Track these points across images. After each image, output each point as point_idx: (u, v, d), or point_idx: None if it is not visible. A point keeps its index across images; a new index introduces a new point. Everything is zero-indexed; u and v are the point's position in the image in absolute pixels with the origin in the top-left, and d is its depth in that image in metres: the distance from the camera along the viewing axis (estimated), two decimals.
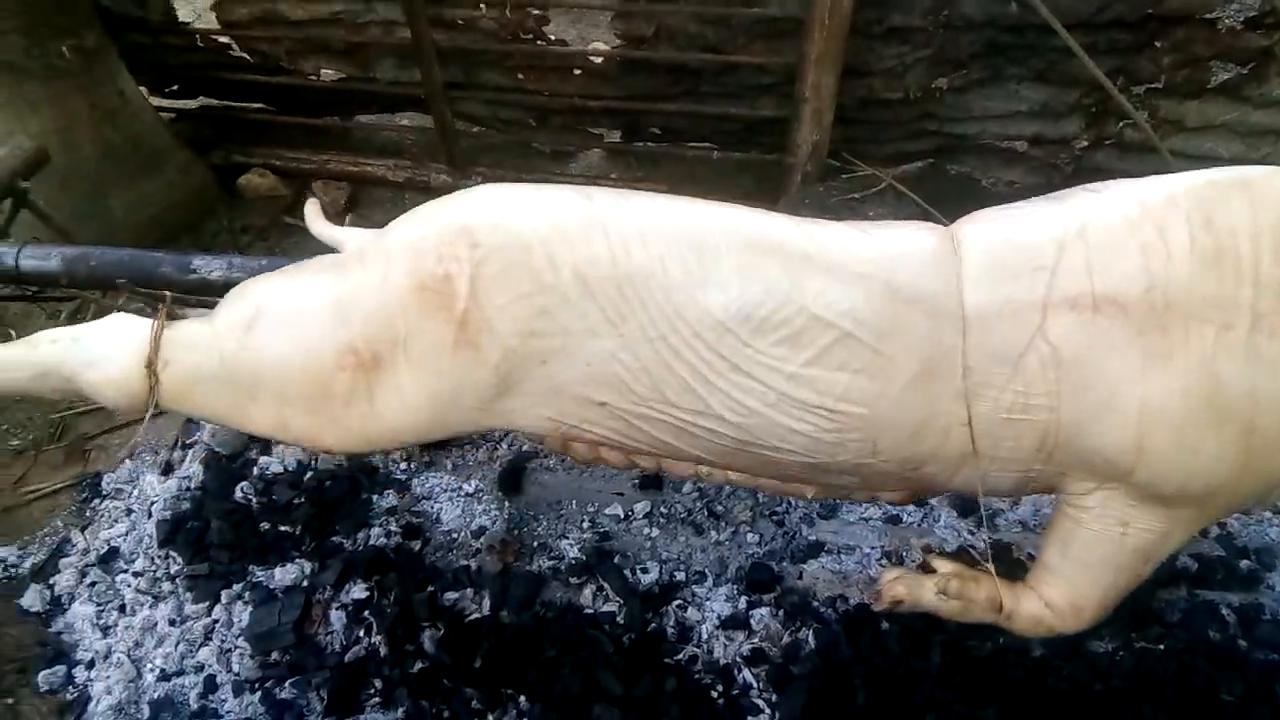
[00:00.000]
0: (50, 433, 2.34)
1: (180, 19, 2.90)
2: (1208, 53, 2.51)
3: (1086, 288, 1.11)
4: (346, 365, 1.21)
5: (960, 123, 2.92)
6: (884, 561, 2.04)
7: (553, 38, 2.69)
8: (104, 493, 2.17)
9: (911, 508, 2.14)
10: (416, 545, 2.06)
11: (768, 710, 1.78)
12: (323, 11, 2.76)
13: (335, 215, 3.14)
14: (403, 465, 2.24)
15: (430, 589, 1.96)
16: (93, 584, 2.00)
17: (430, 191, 3.16)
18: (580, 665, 1.83)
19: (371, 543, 2.05)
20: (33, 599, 1.99)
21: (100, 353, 1.27)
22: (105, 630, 1.94)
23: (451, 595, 1.94)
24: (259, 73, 2.96)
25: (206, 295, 1.66)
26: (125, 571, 2.02)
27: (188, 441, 2.27)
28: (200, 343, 1.27)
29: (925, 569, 1.54)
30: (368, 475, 2.21)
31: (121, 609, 1.97)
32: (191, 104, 3.11)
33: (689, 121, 2.95)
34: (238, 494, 2.13)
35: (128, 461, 2.22)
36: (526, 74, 2.84)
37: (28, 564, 2.07)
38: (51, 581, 2.02)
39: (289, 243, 3.04)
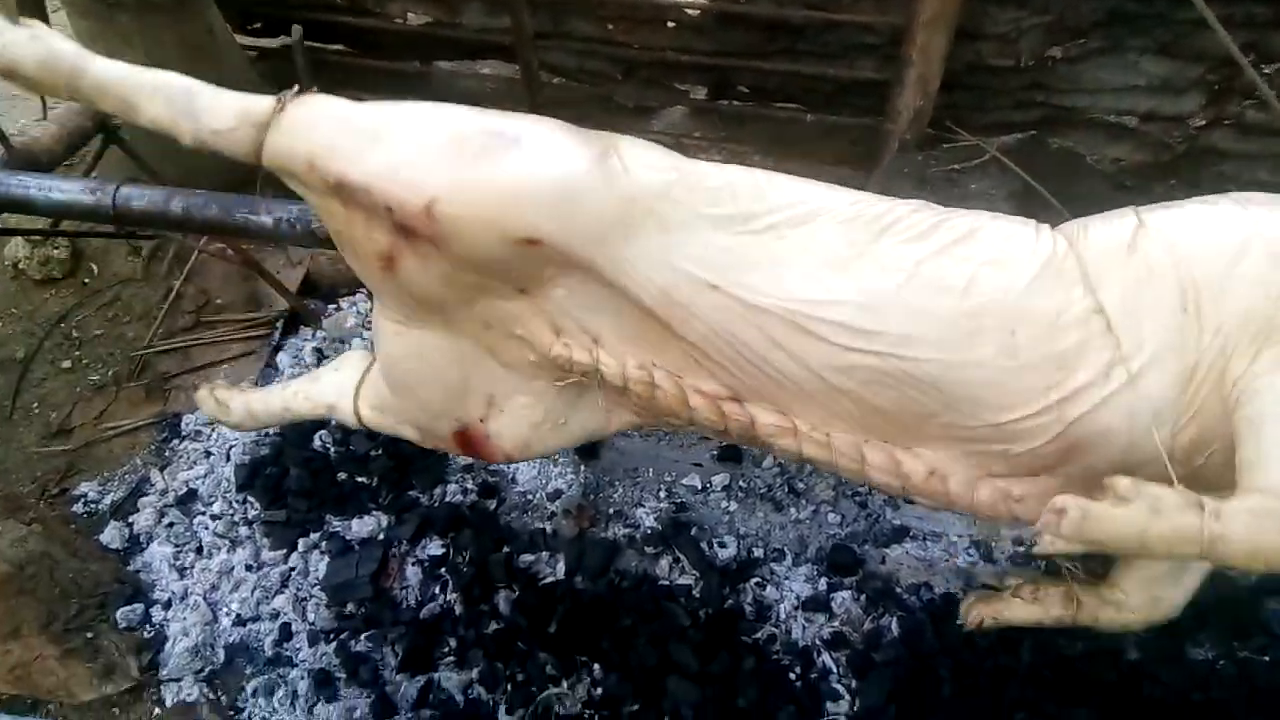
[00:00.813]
0: (130, 369, 2.35)
1: None
2: None
3: None
4: None
5: (1070, 95, 2.74)
6: (971, 550, 1.96)
7: None
8: (184, 434, 2.18)
9: None
10: (491, 505, 2.03)
11: (848, 696, 1.74)
12: None
13: None
14: None
15: (506, 550, 1.93)
16: (170, 525, 2.01)
17: None
18: (655, 637, 1.80)
19: (448, 499, 2.02)
20: (112, 536, 2.01)
21: None
22: (182, 572, 1.96)
23: (527, 558, 1.91)
24: (345, 14, 2.90)
25: (289, 241, 1.62)
26: (203, 514, 2.03)
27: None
28: None
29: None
30: None
31: (198, 551, 1.98)
32: (273, 43, 3.05)
33: (781, 81, 2.82)
34: (316, 442, 2.12)
35: None
36: (617, 24, 2.74)
37: (108, 500, 2.09)
38: (131, 520, 2.03)
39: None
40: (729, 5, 2.58)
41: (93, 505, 2.08)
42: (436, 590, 1.87)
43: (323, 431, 2.13)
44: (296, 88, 1.16)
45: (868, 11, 2.52)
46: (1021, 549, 1.95)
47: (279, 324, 2.39)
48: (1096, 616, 1.29)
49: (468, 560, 1.91)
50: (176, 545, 1.98)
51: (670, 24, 2.72)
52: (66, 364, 2.41)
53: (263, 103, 1.12)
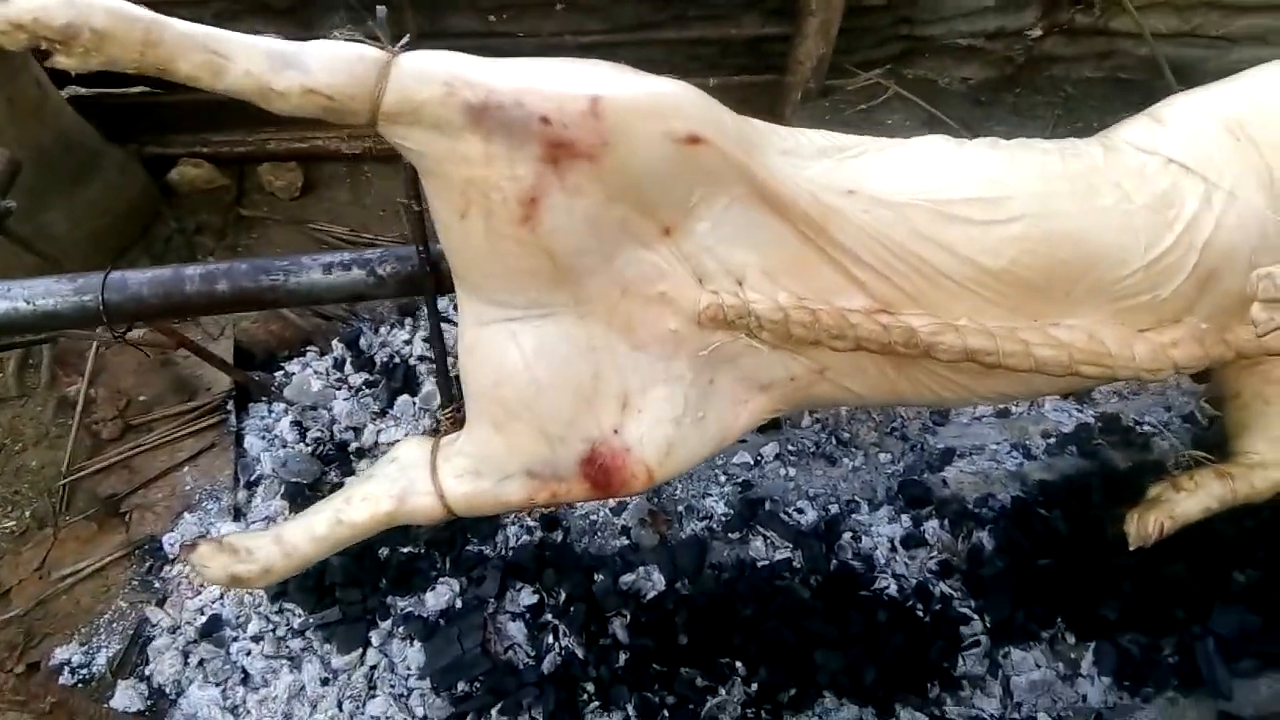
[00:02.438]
0: (55, 503, 1.93)
1: None
2: None
3: None
4: None
5: (929, 25, 2.96)
6: (1014, 453, 2.09)
7: None
8: (171, 557, 1.83)
9: (1022, 404, 2.20)
10: (558, 536, 1.89)
11: (977, 616, 1.81)
12: None
13: (291, 202, 2.75)
14: None
15: (598, 576, 1.81)
16: (202, 662, 1.70)
17: (395, 161, 2.82)
18: (783, 617, 1.77)
19: (513, 544, 1.86)
20: (128, 698, 1.66)
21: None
22: (236, 712, 1.66)
23: (627, 578, 1.81)
24: None
25: (339, 296, 1.40)
26: (239, 639, 1.72)
27: (249, 480, 1.94)
28: None
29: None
30: None
31: (246, 682, 1.69)
32: (83, 90, 2.58)
33: (667, 50, 2.80)
34: None
35: (186, 515, 1.87)
36: (498, 15, 2.58)
37: (100, 660, 1.72)
38: (146, 672, 1.69)
39: (250, 238, 2.64)
40: None
41: (82, 671, 1.70)
42: (549, 639, 1.72)
43: None
44: (407, 37, 1.03)
45: None
46: (1053, 440, 2.11)
47: (229, 405, 2.06)
48: (1252, 484, 1.42)
49: (565, 599, 1.77)
50: (219, 684, 1.67)
51: (559, 7, 2.61)
52: None
53: (372, 49, 0.99)
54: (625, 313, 1.16)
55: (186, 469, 1.96)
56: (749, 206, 1.11)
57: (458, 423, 1.36)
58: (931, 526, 1.93)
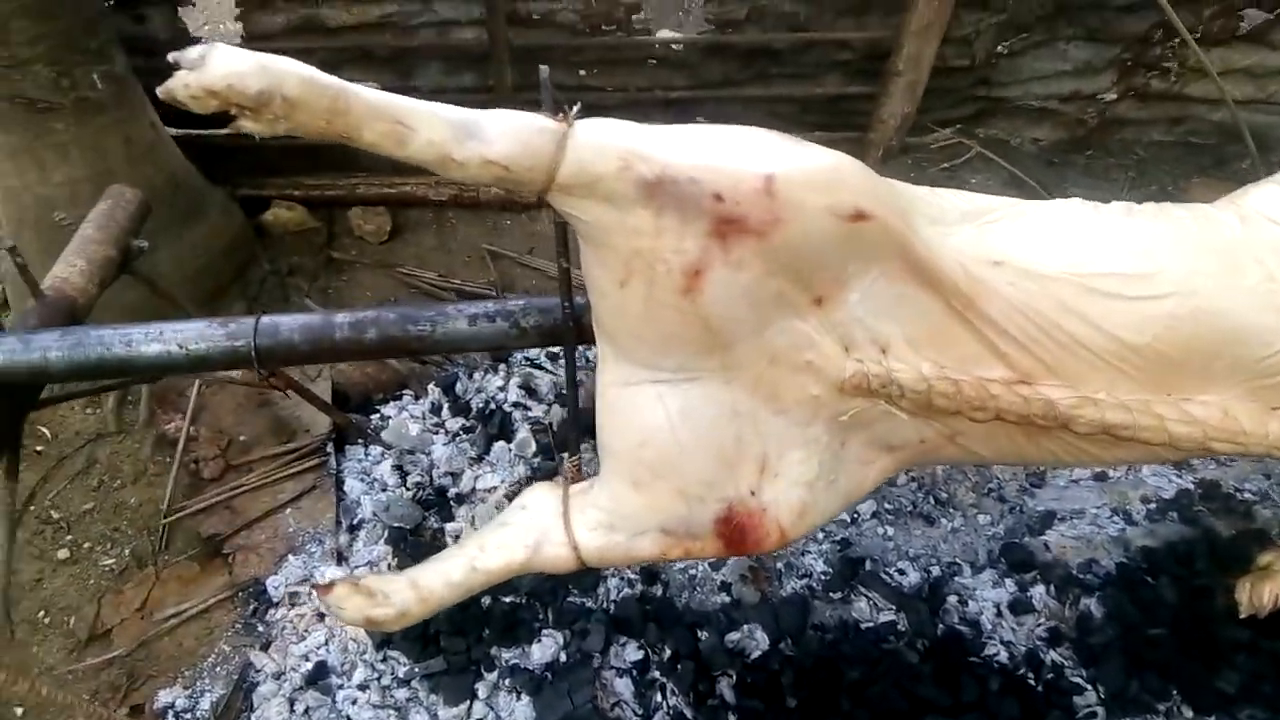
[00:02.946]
0: (155, 542, 1.94)
1: (191, 33, 2.43)
2: (1244, 2, 2.71)
3: None
4: None
5: (1008, 86, 3.00)
6: (1115, 518, 2.07)
7: (636, 27, 2.50)
8: (275, 600, 1.82)
9: (1120, 469, 2.17)
10: (658, 590, 1.88)
11: (1089, 686, 1.77)
12: (372, 14, 2.41)
13: (379, 246, 2.80)
14: None
15: (702, 634, 1.79)
16: (308, 710, 1.68)
17: (479, 208, 2.88)
18: (892, 681, 1.74)
19: (614, 597, 1.84)
20: None
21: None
22: None
23: (733, 636, 1.78)
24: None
25: (485, 345, 1.41)
26: (344, 687, 1.71)
27: (351, 523, 1.95)
28: None
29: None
30: None
31: None
32: (175, 131, 2.65)
33: (743, 107, 2.85)
34: None
35: (290, 558, 1.88)
36: (590, 69, 2.64)
37: (204, 704, 1.71)
38: (252, 719, 1.67)
39: (341, 280, 2.67)
40: (717, 36, 2.57)
41: (187, 715, 1.69)
42: (657, 697, 1.70)
43: None
44: (578, 105, 1.04)
45: (846, 29, 2.61)
46: (1153, 505, 2.09)
47: (329, 447, 2.07)
48: None
49: (671, 656, 1.75)
50: None
51: (651, 61, 2.66)
52: (62, 554, 1.95)
53: (548, 120, 1.00)
54: (771, 379, 1.16)
55: (288, 510, 1.96)
56: (900, 278, 1.12)
57: (579, 470, 1.37)
58: (1038, 592, 1.90)
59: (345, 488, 2.01)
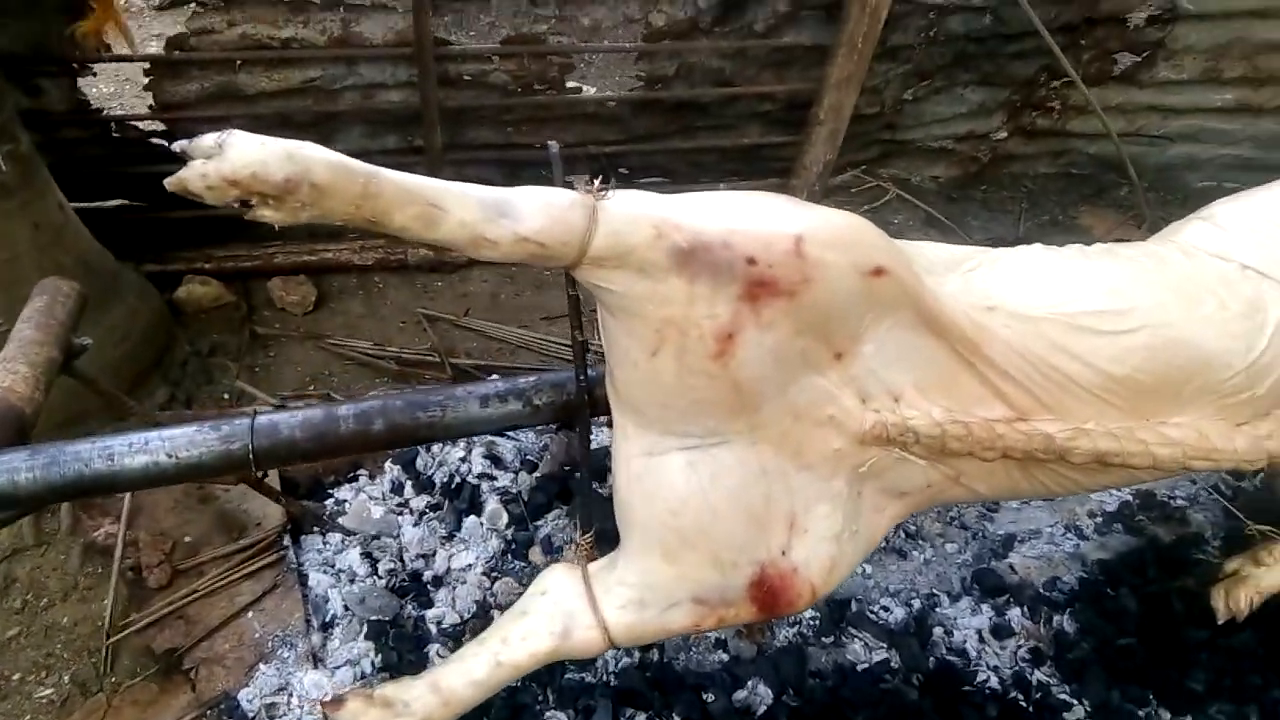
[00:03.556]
0: (100, 665, 1.75)
1: (93, 104, 2.23)
2: (1117, 46, 2.98)
3: None
4: None
5: (910, 130, 3.17)
6: (1068, 534, 2.18)
7: (569, 85, 2.50)
8: (249, 715, 1.67)
9: None
10: (655, 655, 1.84)
11: (1076, 701, 1.84)
12: (294, 79, 2.29)
13: (305, 316, 2.65)
14: None
15: (707, 696, 1.76)
16: None
17: (407, 271, 2.80)
18: (894, 718, 1.76)
19: (613, 669, 1.79)
20: None
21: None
22: None
23: (739, 695, 1.76)
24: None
25: (496, 425, 1.36)
26: None
27: (323, 621, 1.82)
28: None
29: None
30: None
31: None
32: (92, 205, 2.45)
33: (665, 158, 2.90)
34: (434, 660, 1.75)
35: (261, 666, 1.73)
36: (519, 127, 2.61)
37: None
38: None
39: (268, 357, 2.51)
40: (647, 93, 2.60)
41: None
42: None
43: (433, 646, 1.77)
44: (601, 178, 1.05)
45: (769, 82, 2.69)
46: (1100, 519, 2.22)
47: (285, 540, 1.93)
48: None
49: None
50: None
51: (578, 120, 2.66)
52: None
53: (573, 193, 1.01)
54: (796, 437, 1.19)
55: (251, 614, 1.81)
56: (910, 328, 1.18)
57: (593, 548, 1.34)
58: (1014, 614, 1.97)
59: (310, 582, 1.88)
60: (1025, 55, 2.91)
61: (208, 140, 0.92)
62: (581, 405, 1.34)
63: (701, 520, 1.18)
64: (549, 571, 1.31)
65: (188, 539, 1.93)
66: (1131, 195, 3.19)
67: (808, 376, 1.14)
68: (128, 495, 1.94)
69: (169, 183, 0.92)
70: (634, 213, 1.01)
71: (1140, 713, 1.84)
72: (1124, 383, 1.25)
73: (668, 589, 1.22)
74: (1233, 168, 3.45)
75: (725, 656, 1.86)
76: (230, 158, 0.90)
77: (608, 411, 1.26)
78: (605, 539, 1.31)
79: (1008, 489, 1.35)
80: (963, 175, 3.44)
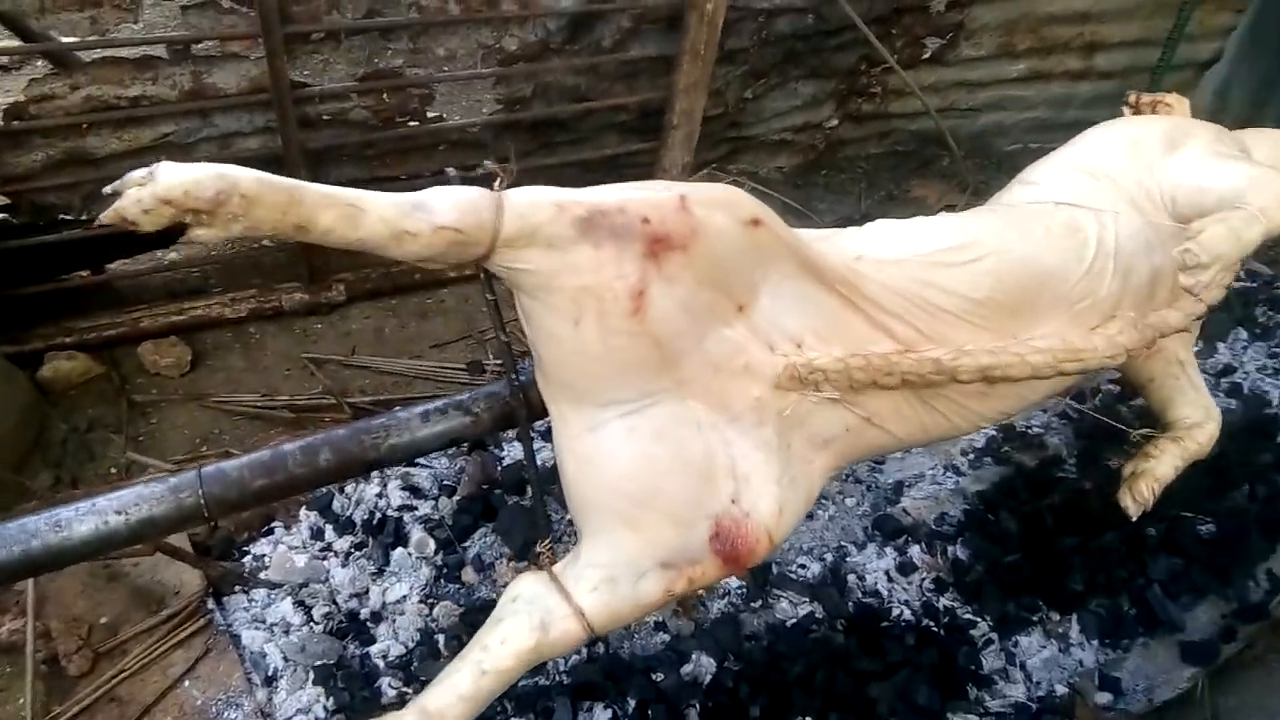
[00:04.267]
0: None
1: None
2: (924, 32, 3.28)
3: None
4: None
5: (752, 126, 3.38)
6: (947, 473, 2.41)
7: (430, 115, 2.52)
8: None
9: None
10: (601, 649, 1.92)
11: (980, 618, 2.05)
12: (146, 138, 2.20)
13: (182, 379, 2.56)
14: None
15: (656, 675, 1.86)
16: None
17: (283, 317, 2.75)
18: (830, 665, 1.91)
19: (564, 668, 1.86)
20: None
21: None
22: None
23: (686, 669, 1.87)
24: (32, 232, 2.29)
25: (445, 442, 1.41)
26: None
27: (265, 676, 1.79)
28: None
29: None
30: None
31: None
32: None
33: (533, 175, 2.97)
34: (387, 692, 1.77)
35: None
36: (383, 160, 2.62)
37: None
38: None
39: (150, 425, 2.40)
40: (507, 115, 2.67)
41: None
42: None
43: (386, 680, 1.79)
44: (505, 179, 1.17)
45: (621, 94, 2.82)
46: (971, 455, 2.46)
47: (209, 603, 1.89)
48: (1197, 440, 1.79)
49: (637, 706, 1.80)
50: None
51: (441, 147, 2.71)
52: None
53: (477, 188, 1.13)
54: (719, 389, 1.30)
55: (188, 683, 1.76)
56: (795, 278, 1.32)
57: (553, 553, 1.40)
58: (914, 551, 2.17)
59: (244, 641, 1.85)
60: (846, 47, 3.17)
61: (137, 174, 0.98)
62: (519, 405, 1.39)
63: (653, 479, 1.25)
64: (517, 581, 1.35)
65: (104, 620, 1.86)
66: (953, 164, 3.52)
67: (718, 330, 1.26)
68: (30, 585, 1.84)
69: (105, 216, 0.99)
70: (535, 197, 1.13)
71: (1034, 618, 2.07)
72: (986, 305, 1.43)
73: (634, 559, 1.27)
74: (1034, 129, 3.86)
75: (666, 637, 1.96)
76: (163, 180, 0.97)
77: (544, 413, 1.33)
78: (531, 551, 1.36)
79: (917, 428, 1.49)
80: (804, 163, 3.69)
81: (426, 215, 1.08)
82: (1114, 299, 1.55)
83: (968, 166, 3.44)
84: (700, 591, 2.05)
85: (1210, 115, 4.73)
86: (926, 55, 3.39)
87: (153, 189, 0.95)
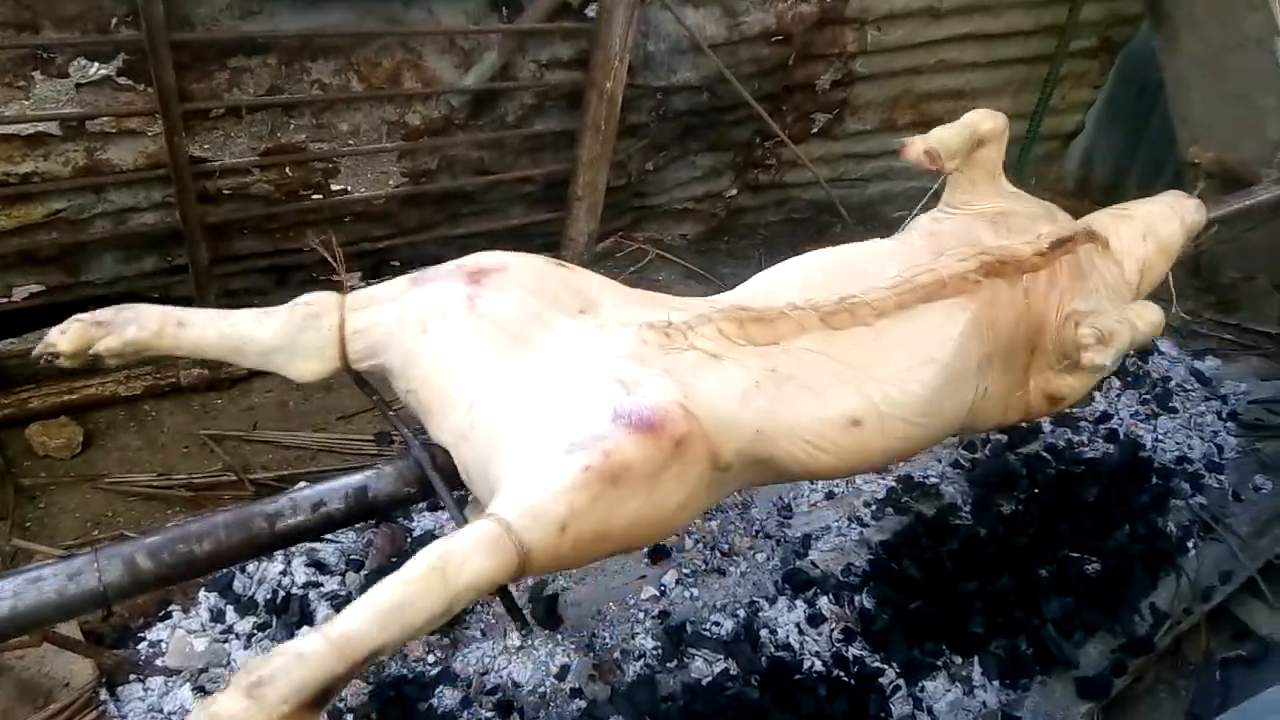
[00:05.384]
0: None
1: None
2: (812, 108, 3.48)
3: None
4: None
5: (656, 195, 3.50)
6: (851, 525, 2.49)
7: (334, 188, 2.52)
8: None
9: (840, 484, 2.62)
10: (517, 717, 1.90)
11: (886, 666, 2.11)
12: (36, 214, 2.13)
13: (73, 460, 2.45)
14: (429, 659, 2.00)
15: None
16: None
17: (180, 393, 2.67)
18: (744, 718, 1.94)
19: None
20: None
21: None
22: None
23: None
24: None
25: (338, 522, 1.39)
26: None
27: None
28: None
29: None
30: (399, 690, 1.93)
31: None
32: None
33: (438, 247, 3.00)
34: None
35: None
36: (285, 234, 2.60)
37: None
38: None
39: (39, 510, 2.27)
40: (413, 187, 2.71)
41: None
42: None
43: None
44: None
45: (527, 166, 2.90)
46: (874, 506, 2.55)
47: (102, 694, 1.79)
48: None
49: None
50: None
51: (347, 219, 2.72)
52: None
53: (326, 293, 1.26)
54: (585, 354, 1.23)
55: None
56: (637, 303, 1.35)
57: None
58: (823, 603, 2.23)
59: None
60: (740, 123, 3.34)
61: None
62: (422, 452, 1.35)
63: (537, 406, 1.17)
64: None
65: None
66: (845, 231, 3.71)
67: (565, 320, 1.26)
68: None
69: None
70: (371, 288, 1.28)
71: (938, 662, 2.15)
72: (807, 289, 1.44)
73: (538, 453, 1.12)
74: (918, 197, 4.08)
75: (583, 703, 1.95)
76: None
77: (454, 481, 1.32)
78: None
79: (829, 375, 1.32)
80: (707, 230, 3.83)
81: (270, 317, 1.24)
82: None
83: (858, 232, 3.63)
84: (613, 655, 2.06)
85: (1077, 182, 5.11)
86: (816, 129, 3.60)
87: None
